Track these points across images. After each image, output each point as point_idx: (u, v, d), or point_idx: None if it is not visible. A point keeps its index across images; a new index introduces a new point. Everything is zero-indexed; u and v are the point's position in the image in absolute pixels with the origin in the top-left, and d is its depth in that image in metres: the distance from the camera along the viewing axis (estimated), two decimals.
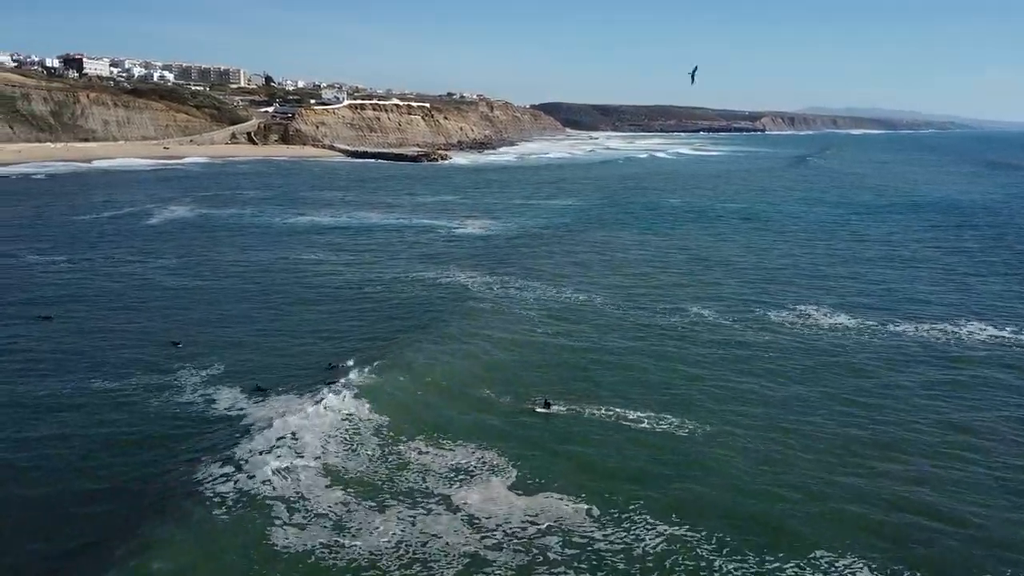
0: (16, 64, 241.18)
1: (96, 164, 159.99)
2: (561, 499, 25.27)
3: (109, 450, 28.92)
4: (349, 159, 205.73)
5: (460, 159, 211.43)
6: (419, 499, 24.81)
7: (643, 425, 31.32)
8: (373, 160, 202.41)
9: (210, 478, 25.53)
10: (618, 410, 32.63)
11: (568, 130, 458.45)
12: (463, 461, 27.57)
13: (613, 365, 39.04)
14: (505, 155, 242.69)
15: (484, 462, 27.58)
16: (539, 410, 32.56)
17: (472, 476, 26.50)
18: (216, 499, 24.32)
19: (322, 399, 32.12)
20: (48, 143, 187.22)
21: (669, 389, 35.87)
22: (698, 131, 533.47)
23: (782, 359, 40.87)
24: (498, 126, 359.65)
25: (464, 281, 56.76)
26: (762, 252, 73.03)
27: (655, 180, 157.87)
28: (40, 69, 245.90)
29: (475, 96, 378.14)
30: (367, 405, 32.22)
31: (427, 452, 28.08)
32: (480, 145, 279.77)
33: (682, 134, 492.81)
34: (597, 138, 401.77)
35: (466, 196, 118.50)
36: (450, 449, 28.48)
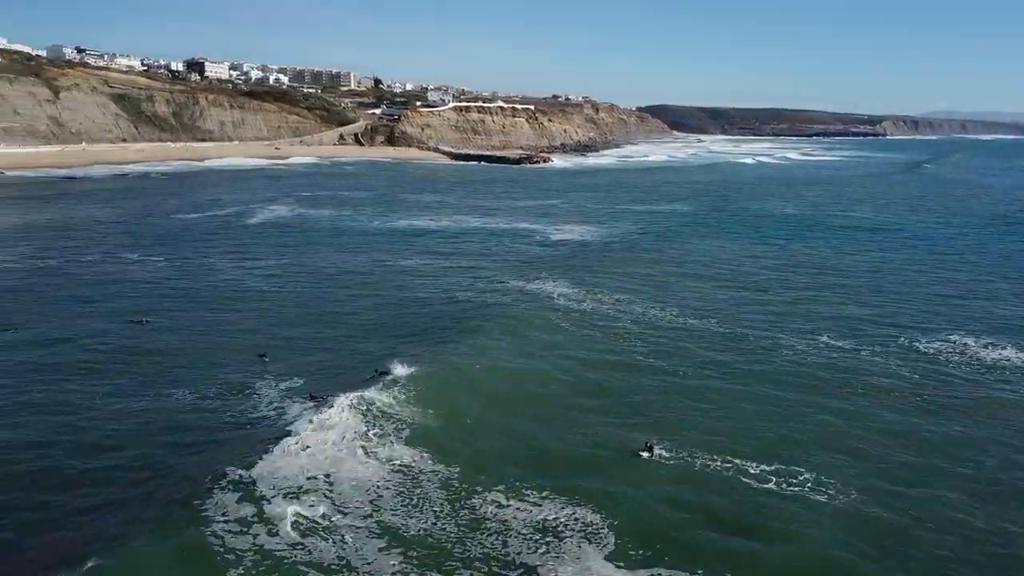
0: (145, 68, 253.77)
1: (209, 163, 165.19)
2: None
3: (154, 469, 26.46)
4: (452, 161, 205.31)
5: (562, 162, 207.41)
6: (498, 570, 20.67)
7: (769, 483, 26.05)
8: (475, 162, 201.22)
9: (235, 526, 22.22)
10: (737, 460, 27.42)
11: (675, 133, 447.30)
12: (551, 518, 23.18)
13: (728, 400, 33.81)
14: (608, 157, 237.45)
15: (576, 520, 23.15)
16: (641, 454, 27.90)
17: (562, 540, 22.05)
18: (232, 557, 20.99)
19: (385, 432, 28.66)
20: (168, 143, 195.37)
21: (800, 434, 30.30)
22: (811, 136, 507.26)
23: (940, 398, 34.53)
24: (603, 128, 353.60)
25: (552, 290, 52.51)
26: (894, 270, 65.31)
27: (764, 185, 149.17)
28: (166, 72, 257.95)
29: (580, 98, 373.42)
30: (432, 442, 28.20)
31: (507, 506, 23.76)
32: (584, 148, 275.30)
33: (793, 138, 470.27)
34: (704, 141, 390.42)
35: (566, 200, 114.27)
36: (534, 503, 24.07)
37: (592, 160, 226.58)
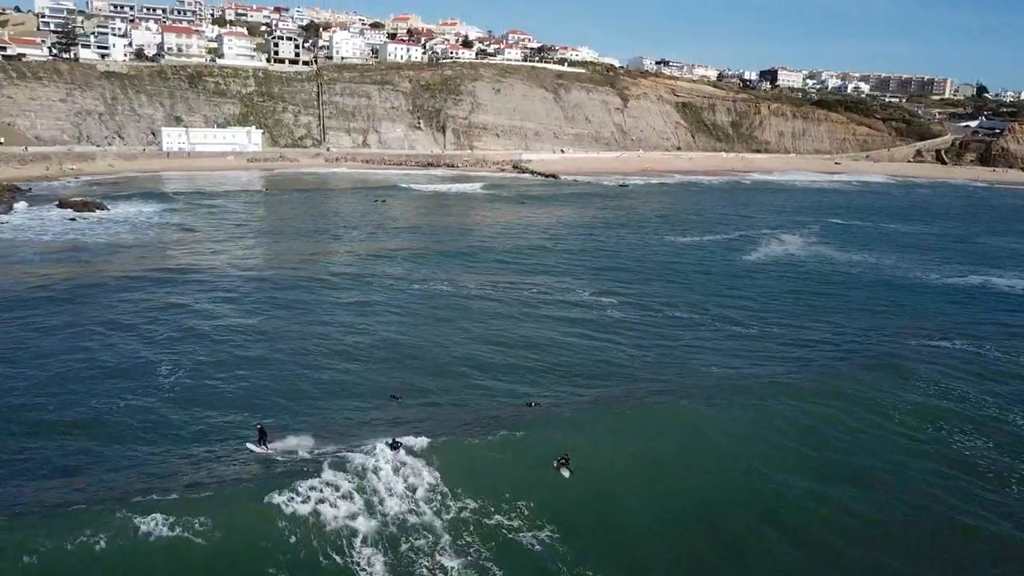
0: (718, 77, 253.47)
1: (755, 177, 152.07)
2: None
3: None
4: None
5: None
6: None
7: None
8: None
9: None
10: None
11: None
12: None
13: None
14: None
15: None
16: None
17: None
18: None
19: None
20: (722, 152, 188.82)
21: None
22: None
23: None
24: None
25: None
26: None
27: None
28: (737, 82, 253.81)
29: None
30: None
31: None
32: None
33: None
34: None
35: None
36: None
37: None
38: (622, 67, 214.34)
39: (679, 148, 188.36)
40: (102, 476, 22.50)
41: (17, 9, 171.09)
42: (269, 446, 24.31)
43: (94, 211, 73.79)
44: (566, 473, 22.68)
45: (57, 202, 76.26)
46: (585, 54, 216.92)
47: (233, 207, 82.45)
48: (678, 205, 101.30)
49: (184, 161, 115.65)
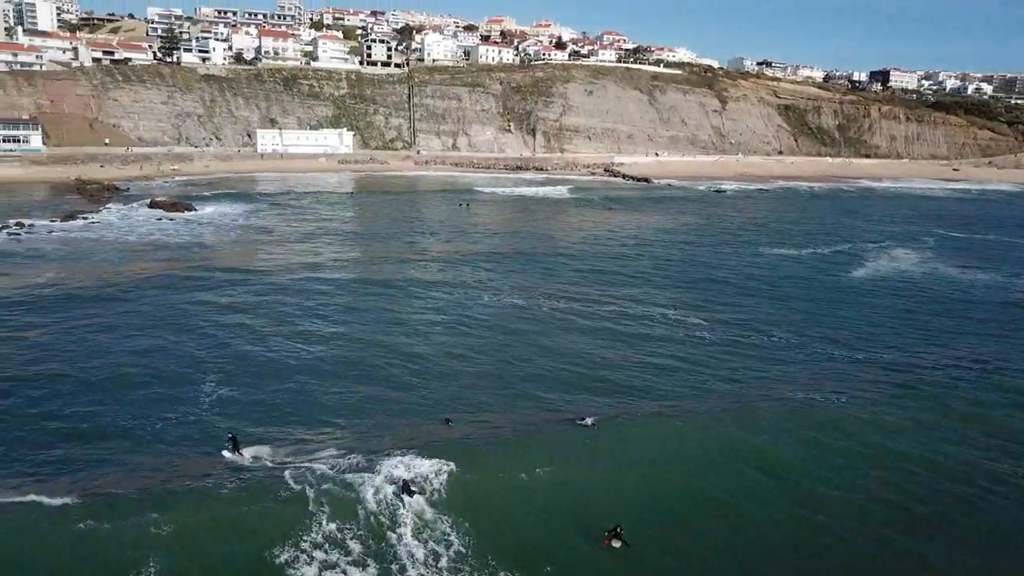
0: (824, 78, 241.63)
1: (863, 183, 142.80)
2: None
3: None
4: None
5: None
6: None
7: None
8: None
9: None
10: None
11: None
12: None
13: None
14: None
15: None
16: None
17: None
18: None
19: None
20: (827, 157, 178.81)
21: None
22: None
23: None
24: None
25: None
26: None
27: None
28: (845, 83, 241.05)
29: None
30: None
31: None
32: None
33: None
34: None
35: None
36: None
37: None
38: (721, 68, 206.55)
39: (780, 152, 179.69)
40: (109, 488, 20.83)
41: (131, 16, 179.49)
42: (243, 452, 23.66)
43: (182, 212, 74.71)
44: (617, 544, 19.35)
45: (149, 202, 77.76)
46: (682, 55, 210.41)
47: (319, 209, 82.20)
48: (777, 213, 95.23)
49: (277, 163, 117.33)
